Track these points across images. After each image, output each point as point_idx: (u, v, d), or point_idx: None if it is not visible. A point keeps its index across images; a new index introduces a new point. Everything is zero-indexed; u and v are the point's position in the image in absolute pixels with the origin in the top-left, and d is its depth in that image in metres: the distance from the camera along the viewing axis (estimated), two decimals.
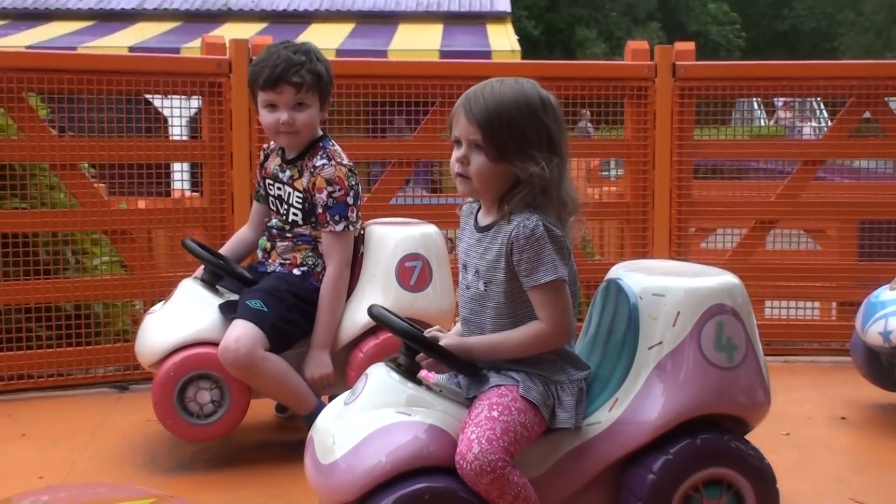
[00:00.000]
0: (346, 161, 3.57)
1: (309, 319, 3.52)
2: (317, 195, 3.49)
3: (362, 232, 3.65)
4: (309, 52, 3.54)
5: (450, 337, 2.55)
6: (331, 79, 3.58)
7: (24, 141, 4.31)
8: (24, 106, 4.30)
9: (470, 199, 2.65)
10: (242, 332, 3.35)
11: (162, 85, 4.48)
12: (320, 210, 3.50)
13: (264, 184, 3.68)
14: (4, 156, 4.29)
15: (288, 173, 3.59)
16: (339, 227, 3.51)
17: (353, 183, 3.54)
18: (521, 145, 2.45)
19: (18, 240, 4.35)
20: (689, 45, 5.18)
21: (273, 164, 3.65)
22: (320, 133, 3.62)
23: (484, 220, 2.58)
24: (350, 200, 3.51)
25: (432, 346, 2.49)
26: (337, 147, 3.60)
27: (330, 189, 3.49)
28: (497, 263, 2.50)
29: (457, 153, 2.51)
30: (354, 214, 3.54)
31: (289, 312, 3.44)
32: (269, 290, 3.46)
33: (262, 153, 3.76)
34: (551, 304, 2.47)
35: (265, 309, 3.40)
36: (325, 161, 3.51)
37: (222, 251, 3.75)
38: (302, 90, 3.49)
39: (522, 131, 2.45)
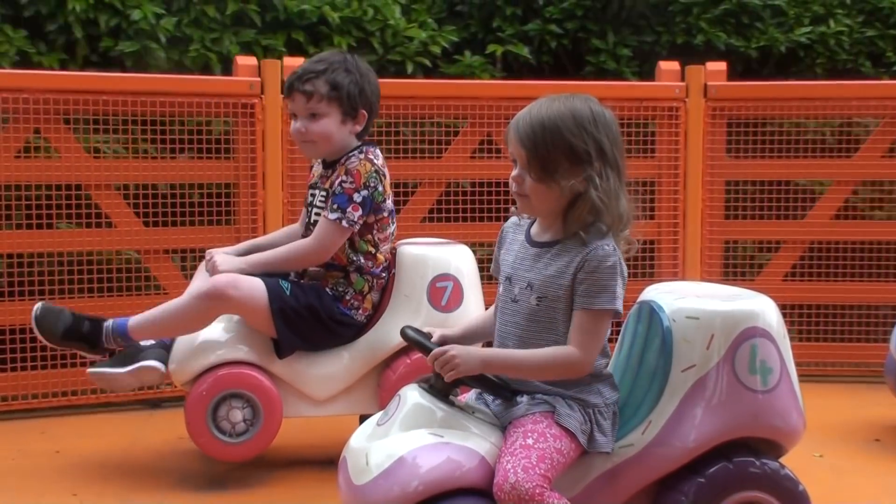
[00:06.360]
0: (377, 162, 3.48)
1: (326, 332, 3.48)
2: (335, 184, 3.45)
3: (393, 252, 3.67)
4: (334, 62, 3.46)
5: (469, 350, 2.48)
6: (361, 91, 3.45)
7: (59, 161, 4.36)
8: (59, 127, 4.35)
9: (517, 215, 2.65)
10: (244, 279, 3.36)
11: (195, 106, 4.51)
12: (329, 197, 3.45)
13: (308, 193, 3.66)
14: (42, 176, 4.34)
15: (325, 177, 3.55)
16: (332, 217, 3.40)
17: (372, 184, 3.42)
18: (567, 162, 2.44)
19: (54, 259, 4.40)
20: (721, 66, 5.17)
21: (317, 171, 3.62)
22: (357, 143, 3.53)
23: (542, 235, 2.56)
24: (357, 198, 3.40)
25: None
26: (377, 152, 3.52)
27: (344, 178, 3.42)
28: (559, 280, 2.48)
29: (513, 172, 2.53)
30: (356, 214, 3.41)
31: (307, 312, 3.41)
32: (304, 287, 3.45)
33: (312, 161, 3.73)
34: (593, 331, 2.46)
35: (287, 293, 3.39)
36: (359, 157, 3.46)
37: (264, 238, 3.75)
38: (313, 99, 3.43)
39: (569, 147, 2.44)
